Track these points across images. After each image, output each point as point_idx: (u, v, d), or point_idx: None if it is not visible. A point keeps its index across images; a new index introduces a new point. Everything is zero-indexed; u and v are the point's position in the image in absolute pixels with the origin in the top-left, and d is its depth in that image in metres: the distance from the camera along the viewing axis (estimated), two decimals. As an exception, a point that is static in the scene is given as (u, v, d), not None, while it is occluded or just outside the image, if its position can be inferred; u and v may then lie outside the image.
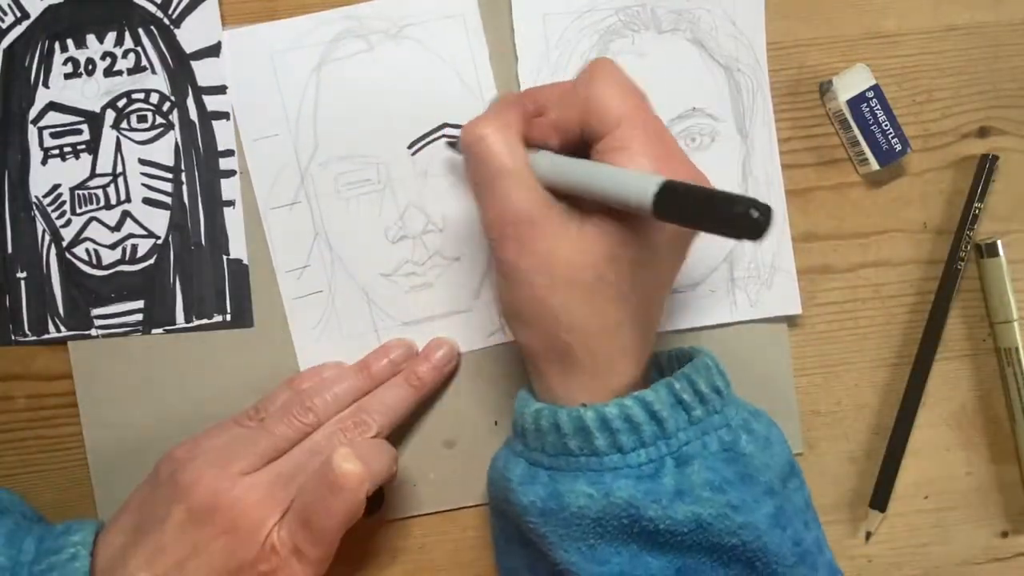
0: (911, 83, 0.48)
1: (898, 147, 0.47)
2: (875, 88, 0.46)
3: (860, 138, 0.47)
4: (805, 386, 0.49)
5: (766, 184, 0.47)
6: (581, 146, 0.39)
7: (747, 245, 0.47)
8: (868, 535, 0.49)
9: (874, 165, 0.47)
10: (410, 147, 0.46)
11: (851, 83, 0.46)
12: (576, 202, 0.37)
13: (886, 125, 0.46)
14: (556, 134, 0.39)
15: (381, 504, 0.46)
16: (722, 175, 0.47)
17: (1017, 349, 0.48)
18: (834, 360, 0.49)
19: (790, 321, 0.48)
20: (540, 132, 0.39)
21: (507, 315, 0.40)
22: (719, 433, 0.37)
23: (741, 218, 0.30)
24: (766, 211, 0.30)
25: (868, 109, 0.46)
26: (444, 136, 0.46)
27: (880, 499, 0.48)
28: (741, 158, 0.47)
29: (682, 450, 0.36)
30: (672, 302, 0.47)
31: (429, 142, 0.46)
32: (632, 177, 0.34)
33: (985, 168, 0.48)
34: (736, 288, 0.47)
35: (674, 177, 0.35)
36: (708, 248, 0.47)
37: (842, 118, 0.47)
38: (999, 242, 0.48)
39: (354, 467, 0.39)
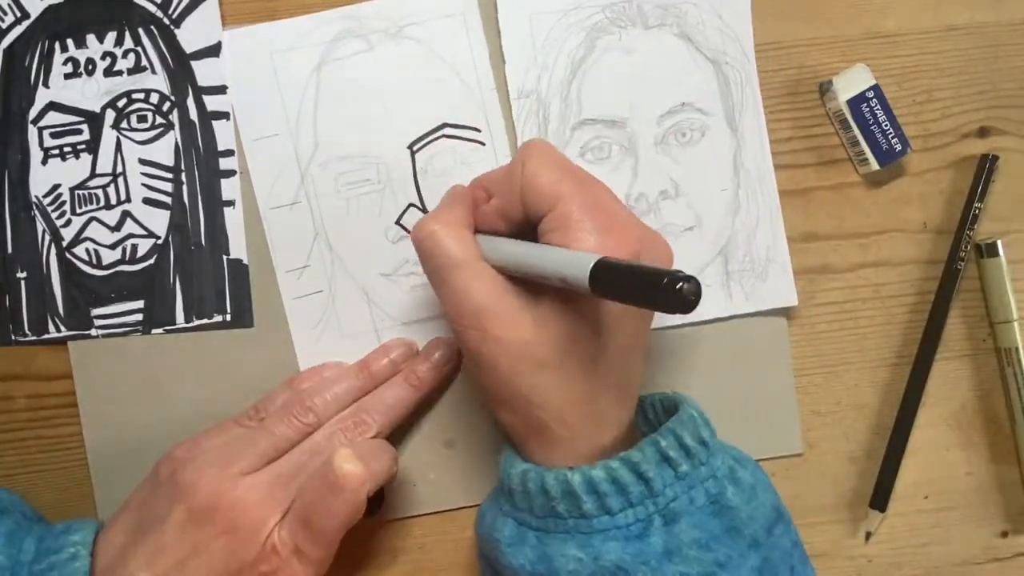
0: (911, 83, 0.48)
1: (898, 147, 0.47)
2: (875, 88, 0.46)
3: (860, 138, 0.47)
4: (805, 386, 0.49)
5: (758, 177, 0.47)
6: (529, 229, 0.39)
7: (740, 239, 0.47)
8: (868, 535, 0.49)
9: (874, 165, 0.47)
10: (410, 147, 0.46)
11: (851, 83, 0.46)
12: (532, 283, 0.37)
13: (886, 125, 0.46)
14: (502, 219, 0.40)
15: (381, 504, 0.46)
16: (713, 170, 0.47)
17: (1017, 349, 0.48)
18: (834, 360, 0.49)
19: (789, 319, 0.48)
20: (488, 219, 0.40)
21: (483, 397, 0.40)
22: (706, 485, 0.37)
23: (668, 291, 0.30)
24: (694, 284, 0.30)
25: (868, 109, 0.46)
26: (400, 225, 0.46)
27: (880, 499, 0.48)
28: (732, 152, 0.47)
29: (669, 507, 0.36)
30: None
31: (429, 142, 0.46)
32: (569, 257, 0.34)
33: (985, 168, 0.48)
34: (731, 281, 0.48)
35: (621, 245, 0.35)
36: (701, 242, 0.47)
37: (842, 118, 0.47)
38: (999, 242, 0.48)
39: (355, 468, 0.39)
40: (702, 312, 0.47)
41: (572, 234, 0.36)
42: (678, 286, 0.29)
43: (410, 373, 0.45)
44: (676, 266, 0.46)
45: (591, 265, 0.33)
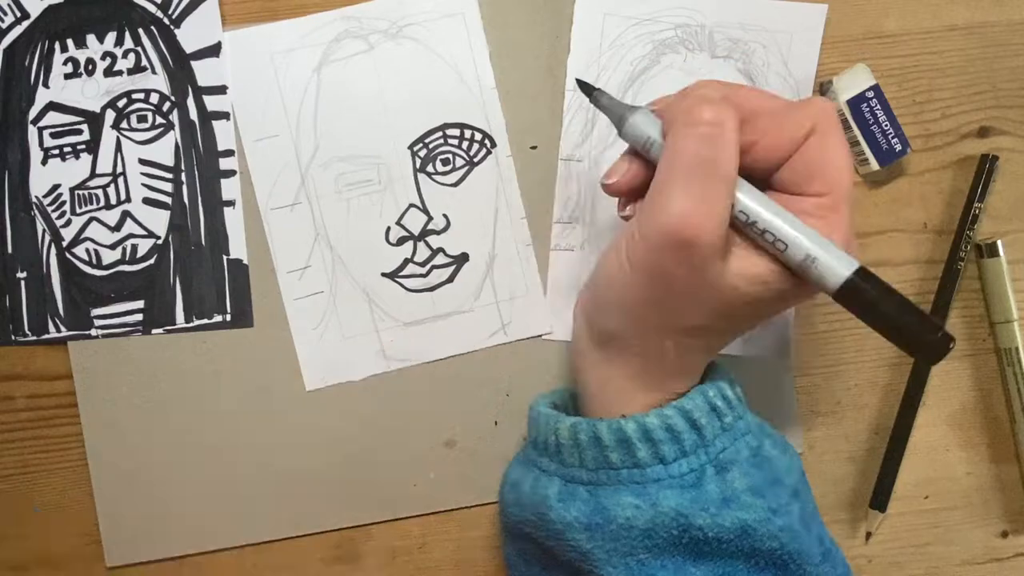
0: (911, 83, 0.48)
1: (898, 147, 0.47)
2: (875, 88, 0.46)
3: (860, 138, 0.47)
4: (805, 386, 0.49)
5: None
6: (753, 174, 0.36)
7: None
8: (868, 535, 0.49)
9: (874, 165, 0.47)
10: (411, 147, 0.46)
11: (851, 83, 0.46)
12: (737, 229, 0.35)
13: (886, 125, 0.46)
14: (742, 154, 0.35)
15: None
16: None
17: (1017, 349, 0.48)
18: (834, 360, 0.49)
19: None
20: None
21: (595, 291, 0.38)
22: (746, 439, 0.37)
23: (931, 342, 0.30)
24: (949, 340, 0.30)
25: (868, 109, 0.46)
26: (577, 80, 0.41)
27: (880, 499, 0.48)
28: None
29: (719, 457, 0.37)
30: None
31: (430, 141, 0.46)
32: (830, 252, 0.33)
33: (985, 168, 0.48)
34: None
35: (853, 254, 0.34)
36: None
37: (842, 118, 0.47)
38: (999, 242, 0.48)
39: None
40: None
41: (832, 230, 0.34)
42: (950, 345, 0.30)
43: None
44: None
45: (851, 271, 0.32)
